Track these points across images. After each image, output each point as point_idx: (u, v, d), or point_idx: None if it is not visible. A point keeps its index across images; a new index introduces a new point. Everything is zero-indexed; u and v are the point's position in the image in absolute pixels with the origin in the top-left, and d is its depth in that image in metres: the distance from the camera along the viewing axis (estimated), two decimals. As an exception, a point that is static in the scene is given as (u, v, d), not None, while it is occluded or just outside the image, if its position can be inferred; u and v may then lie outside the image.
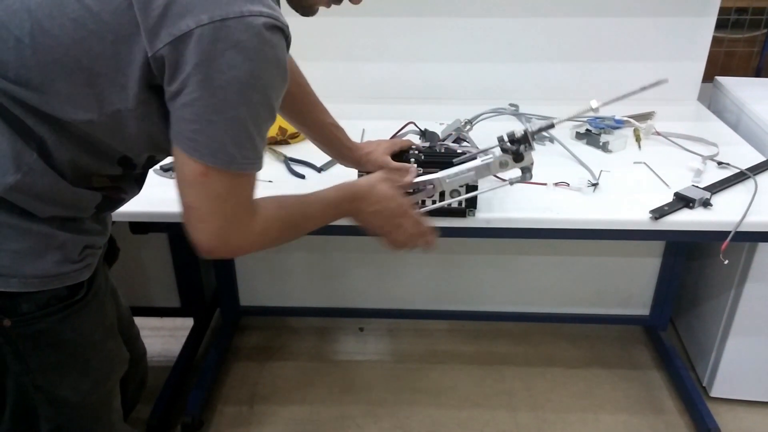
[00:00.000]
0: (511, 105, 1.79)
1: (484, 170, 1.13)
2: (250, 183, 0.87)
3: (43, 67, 0.78)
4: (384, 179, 1.08)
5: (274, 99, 0.84)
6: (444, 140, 1.49)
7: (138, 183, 1.00)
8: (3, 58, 0.78)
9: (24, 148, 0.81)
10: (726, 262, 1.22)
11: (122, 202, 0.98)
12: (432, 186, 1.16)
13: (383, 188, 1.06)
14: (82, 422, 1.02)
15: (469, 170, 1.13)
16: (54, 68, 0.78)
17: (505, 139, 1.07)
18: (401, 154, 1.25)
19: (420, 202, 1.22)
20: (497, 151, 1.11)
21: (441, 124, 1.60)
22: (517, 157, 1.08)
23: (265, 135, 0.86)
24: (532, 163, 1.10)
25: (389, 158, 1.21)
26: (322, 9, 1.00)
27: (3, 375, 0.95)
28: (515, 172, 1.10)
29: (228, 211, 0.84)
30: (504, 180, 1.16)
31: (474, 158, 1.17)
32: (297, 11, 0.99)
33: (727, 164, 1.45)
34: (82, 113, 0.81)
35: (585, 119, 1.64)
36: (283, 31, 0.82)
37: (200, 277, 2.03)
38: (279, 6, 0.92)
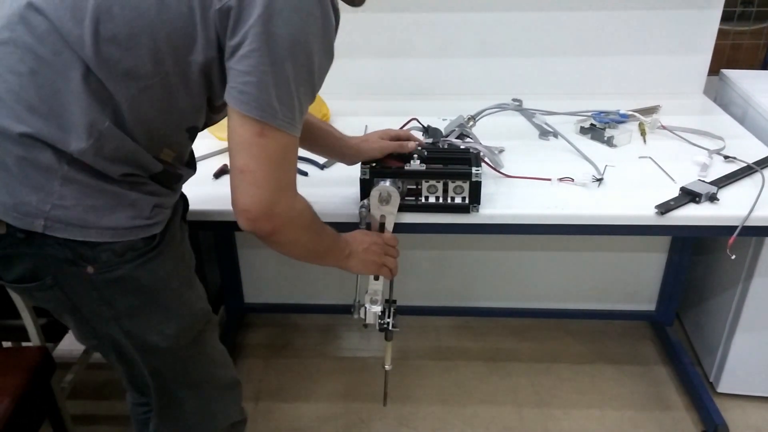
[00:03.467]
0: (515, 100, 1.78)
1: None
2: (296, 150, 0.92)
3: (129, 22, 0.83)
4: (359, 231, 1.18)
5: (316, 67, 0.88)
6: (447, 136, 1.48)
7: (189, 165, 1.05)
8: (97, 14, 0.82)
9: (98, 117, 0.86)
10: (733, 257, 1.21)
11: (180, 178, 1.02)
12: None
13: (360, 233, 1.17)
14: (177, 366, 1.07)
15: None
16: (139, 23, 0.83)
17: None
18: (402, 156, 1.24)
19: (424, 198, 1.21)
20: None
21: (444, 120, 1.60)
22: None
23: (304, 101, 0.90)
24: None
25: (386, 141, 1.22)
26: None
27: (100, 323, 0.99)
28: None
29: (281, 178, 0.90)
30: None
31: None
32: (344, 1, 1.00)
33: (734, 158, 1.44)
34: (159, 66, 0.86)
35: (590, 113, 1.63)
36: (335, 10, 0.88)
37: (205, 274, 2.03)
38: None
